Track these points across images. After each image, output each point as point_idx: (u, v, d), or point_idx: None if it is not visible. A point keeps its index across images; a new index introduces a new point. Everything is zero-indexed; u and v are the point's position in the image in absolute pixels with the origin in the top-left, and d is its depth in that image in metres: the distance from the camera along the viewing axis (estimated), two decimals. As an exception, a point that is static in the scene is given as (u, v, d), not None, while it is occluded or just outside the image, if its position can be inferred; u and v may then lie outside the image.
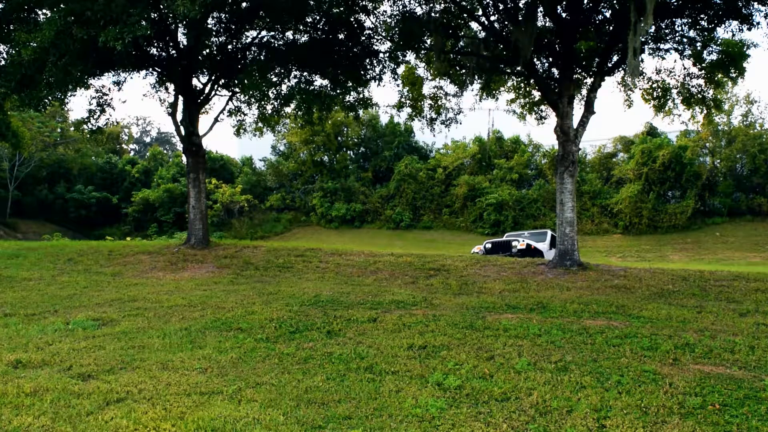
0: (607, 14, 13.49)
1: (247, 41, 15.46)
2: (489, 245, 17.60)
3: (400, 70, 15.81)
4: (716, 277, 11.37)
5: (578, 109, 13.49)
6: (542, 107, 16.20)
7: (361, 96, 16.15)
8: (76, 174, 43.52)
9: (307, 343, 6.63)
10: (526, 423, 4.35)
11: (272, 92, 15.37)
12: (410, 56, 15.34)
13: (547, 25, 13.74)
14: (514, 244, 17.10)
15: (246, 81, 13.66)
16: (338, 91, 15.60)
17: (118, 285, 11.12)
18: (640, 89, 14.92)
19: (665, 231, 31.51)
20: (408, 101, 16.17)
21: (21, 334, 7.13)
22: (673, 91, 14.62)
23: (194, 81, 15.45)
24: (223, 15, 14.57)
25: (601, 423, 4.35)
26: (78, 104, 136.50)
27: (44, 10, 12.43)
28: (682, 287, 10.51)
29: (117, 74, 15.04)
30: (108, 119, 15.54)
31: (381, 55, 15.03)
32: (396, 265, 12.76)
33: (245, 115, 17.01)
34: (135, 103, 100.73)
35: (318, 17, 14.31)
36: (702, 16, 12.64)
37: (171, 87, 15.87)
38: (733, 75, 13.85)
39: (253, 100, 15.76)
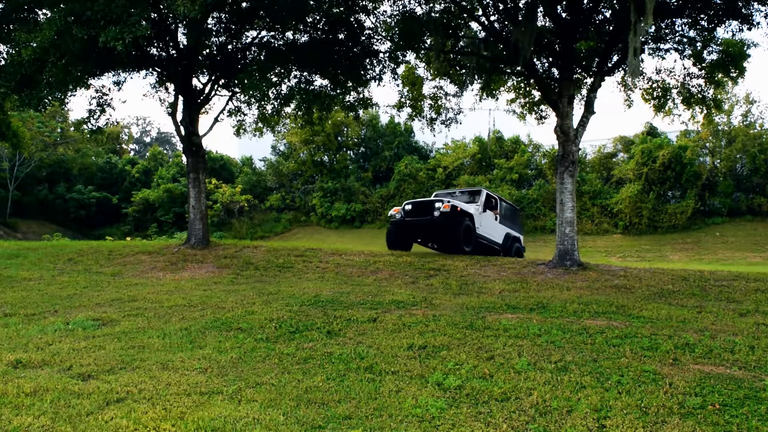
0: (607, 14, 13.50)
1: (247, 41, 15.47)
2: (409, 206, 14.45)
3: (400, 70, 15.83)
4: (716, 277, 11.37)
5: (578, 109, 13.51)
6: (542, 107, 16.20)
7: (361, 96, 16.15)
8: (76, 174, 43.49)
9: (307, 343, 6.63)
10: (526, 423, 4.36)
11: (272, 92, 15.37)
12: (410, 56, 15.36)
13: (547, 25, 13.74)
14: (436, 205, 13.76)
15: (246, 81, 13.67)
16: (338, 91, 15.59)
17: (118, 285, 11.12)
18: (640, 89, 14.92)
19: (665, 231, 31.49)
20: (408, 101, 16.16)
21: (21, 334, 7.13)
22: (673, 91, 14.62)
23: (194, 81, 15.45)
24: (223, 15, 14.57)
25: (601, 423, 4.36)
26: (78, 104, 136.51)
27: (44, 10, 12.43)
28: (682, 287, 10.50)
29: (117, 74, 15.05)
30: (108, 119, 15.54)
31: (381, 55, 15.04)
32: (396, 265, 12.76)
33: (245, 115, 17.02)
34: (135, 103, 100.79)
35: (318, 17, 14.32)
36: (702, 16, 12.64)
37: (171, 87, 15.88)
38: (733, 75, 13.85)
39: (253, 100, 15.76)
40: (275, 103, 16.07)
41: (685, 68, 14.10)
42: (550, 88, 13.52)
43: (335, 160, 42.95)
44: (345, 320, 7.69)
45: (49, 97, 13.28)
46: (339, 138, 43.09)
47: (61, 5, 11.23)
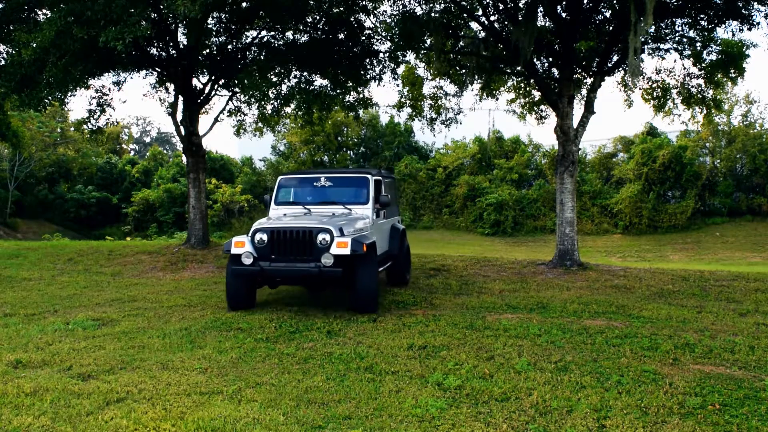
0: (607, 14, 13.50)
1: (247, 41, 15.46)
2: (264, 236, 8.03)
3: (400, 70, 15.81)
4: (716, 277, 11.38)
5: (578, 109, 13.50)
6: (542, 107, 16.19)
7: (361, 96, 16.13)
8: (76, 174, 43.48)
9: (307, 343, 6.64)
10: (526, 423, 4.36)
11: (272, 92, 15.35)
12: (410, 56, 15.33)
13: (547, 25, 13.74)
14: (320, 239, 7.81)
15: (246, 81, 13.66)
16: (338, 91, 15.58)
17: (118, 285, 11.12)
18: (640, 89, 14.91)
19: (665, 231, 31.48)
20: (408, 101, 16.15)
21: (21, 334, 7.14)
22: (673, 91, 14.62)
23: (194, 81, 15.44)
24: (223, 15, 14.56)
25: (601, 423, 4.36)
26: (78, 104, 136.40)
27: (44, 10, 12.42)
28: (682, 287, 10.51)
29: (117, 74, 15.03)
30: (108, 119, 15.53)
31: (381, 55, 15.03)
32: (396, 265, 12.75)
33: (245, 115, 17.01)
34: (135, 103, 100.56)
35: (318, 17, 14.31)
36: (702, 16, 12.65)
37: (171, 87, 15.87)
38: (733, 75, 13.86)
39: (253, 100, 15.75)
40: (275, 103, 16.07)
41: (684, 68, 14.11)
42: (550, 88, 13.52)
43: (335, 160, 42.93)
44: (345, 320, 7.69)
45: (49, 97, 13.26)
46: (339, 138, 43.09)
47: (61, 5, 11.22)
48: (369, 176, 9.45)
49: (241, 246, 8.00)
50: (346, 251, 7.66)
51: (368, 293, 7.98)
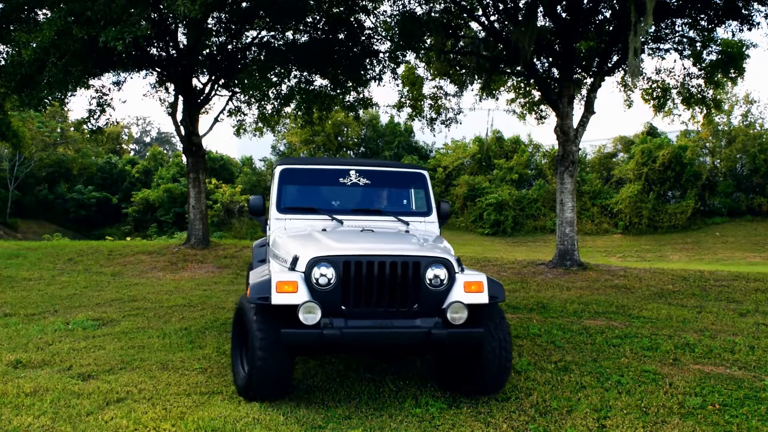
0: (607, 14, 13.50)
1: (247, 41, 15.45)
2: (330, 273, 4.37)
3: (400, 70, 15.81)
4: (716, 277, 11.38)
5: (578, 109, 13.51)
6: (542, 107, 16.19)
7: (361, 96, 16.13)
8: (76, 174, 43.48)
9: (307, 343, 6.63)
10: (526, 423, 4.36)
11: (272, 92, 15.35)
12: (410, 56, 15.33)
13: (547, 25, 13.74)
14: (432, 277, 4.46)
15: (246, 81, 13.66)
16: (338, 91, 15.58)
17: (118, 285, 11.12)
18: (640, 89, 14.92)
19: (665, 231, 31.47)
20: (408, 101, 16.16)
21: (21, 334, 7.13)
22: (672, 91, 14.62)
23: (194, 81, 15.43)
24: (223, 15, 14.55)
25: (601, 423, 4.36)
26: (78, 104, 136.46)
27: (44, 10, 12.42)
28: (682, 287, 10.51)
29: (117, 74, 15.02)
30: (108, 119, 15.52)
31: (381, 55, 15.02)
32: (396, 265, 12.75)
33: (245, 115, 16.99)
34: (135, 103, 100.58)
35: (318, 17, 14.31)
36: (702, 16, 12.65)
37: (171, 87, 15.86)
38: (733, 75, 13.87)
39: (253, 100, 15.75)
40: (275, 103, 16.06)
41: (684, 68, 14.12)
42: (550, 88, 13.52)
43: (335, 160, 42.92)
44: (345, 320, 7.68)
45: (49, 97, 13.25)
46: (339, 138, 43.08)
47: (61, 5, 11.22)
48: (425, 172, 6.23)
49: (292, 290, 4.34)
50: (483, 298, 4.54)
51: (505, 363, 4.71)
